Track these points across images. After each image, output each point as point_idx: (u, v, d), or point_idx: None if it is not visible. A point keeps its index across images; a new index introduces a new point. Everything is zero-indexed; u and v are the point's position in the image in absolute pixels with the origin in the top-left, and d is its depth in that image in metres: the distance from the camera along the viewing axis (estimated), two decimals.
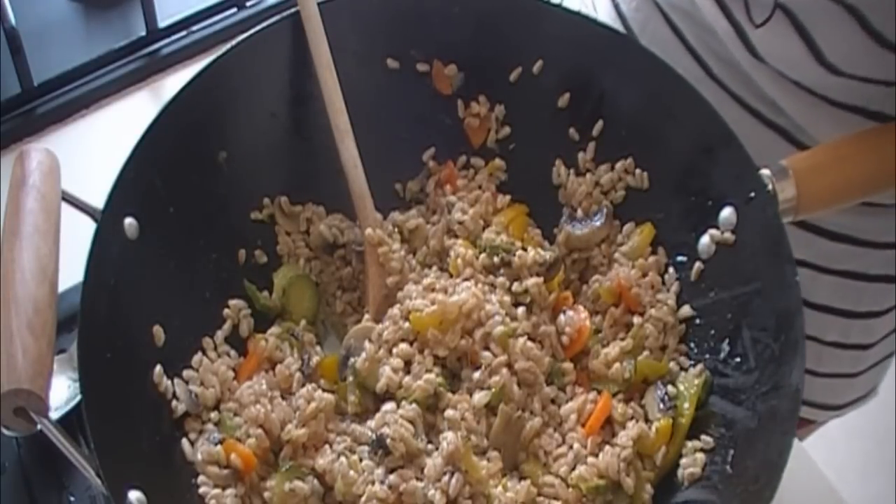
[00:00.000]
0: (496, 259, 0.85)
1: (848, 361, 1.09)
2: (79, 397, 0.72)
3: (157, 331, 0.79)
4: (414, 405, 0.78)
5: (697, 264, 0.83)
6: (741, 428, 0.76)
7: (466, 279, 0.84)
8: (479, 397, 0.79)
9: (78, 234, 0.75)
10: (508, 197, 0.93)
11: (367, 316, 0.86)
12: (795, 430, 0.71)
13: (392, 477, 0.75)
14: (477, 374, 0.80)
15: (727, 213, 0.80)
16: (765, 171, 0.79)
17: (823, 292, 1.02)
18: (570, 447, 0.79)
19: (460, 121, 0.94)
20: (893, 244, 0.98)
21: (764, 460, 0.71)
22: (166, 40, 1.20)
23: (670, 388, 0.80)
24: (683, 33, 0.96)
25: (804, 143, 0.92)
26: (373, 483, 0.75)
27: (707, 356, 0.81)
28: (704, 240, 0.82)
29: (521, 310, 0.83)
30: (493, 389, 0.79)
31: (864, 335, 1.07)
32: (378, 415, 0.79)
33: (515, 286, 0.84)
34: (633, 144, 0.88)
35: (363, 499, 0.75)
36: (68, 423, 0.78)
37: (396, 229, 0.90)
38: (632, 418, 0.80)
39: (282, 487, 0.76)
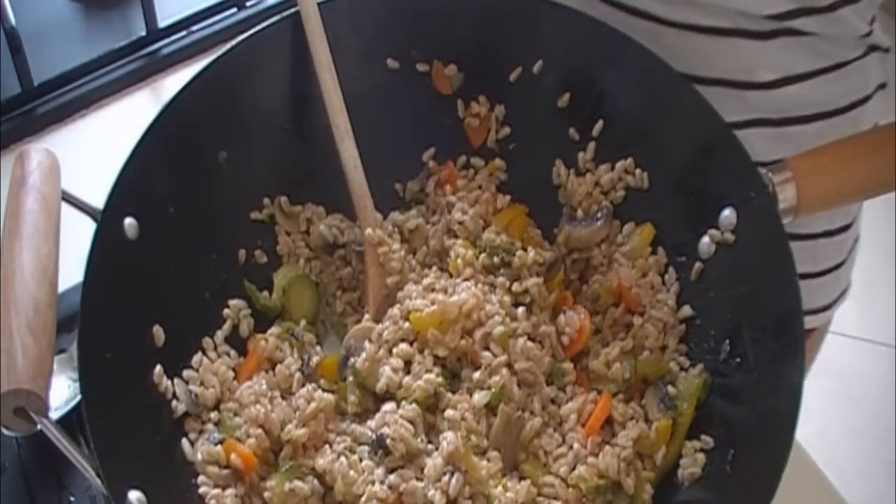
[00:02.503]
0: (496, 259, 0.85)
1: (836, 249, 1.07)
2: (79, 397, 0.72)
3: (157, 331, 0.79)
4: (414, 405, 0.78)
5: (697, 264, 0.83)
6: (741, 428, 0.76)
7: (466, 279, 0.84)
8: (479, 397, 0.79)
9: (78, 234, 0.75)
10: (508, 197, 0.93)
11: (367, 316, 0.86)
12: (796, 430, 0.71)
13: (392, 477, 0.75)
14: (477, 374, 0.80)
15: (727, 213, 0.80)
16: (765, 172, 0.79)
17: None
18: (570, 447, 0.79)
19: (460, 121, 0.94)
20: None
21: (764, 460, 0.71)
22: (166, 40, 1.21)
23: (670, 388, 0.80)
24: None
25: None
26: (373, 483, 0.75)
27: (707, 356, 0.81)
28: (704, 240, 0.82)
29: (521, 310, 0.83)
30: (493, 389, 0.79)
31: (845, 215, 1.05)
32: (378, 415, 0.79)
33: (515, 286, 0.84)
34: (633, 144, 0.88)
35: (363, 499, 0.75)
36: (68, 423, 0.77)
37: (396, 229, 0.90)
38: (632, 418, 0.80)
39: (282, 487, 0.76)
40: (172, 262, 0.82)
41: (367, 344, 0.82)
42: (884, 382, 2.18)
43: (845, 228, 1.06)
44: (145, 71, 1.19)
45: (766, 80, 0.92)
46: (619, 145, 0.89)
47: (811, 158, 0.81)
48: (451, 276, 0.86)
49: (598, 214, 0.89)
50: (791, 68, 0.92)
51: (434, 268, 0.89)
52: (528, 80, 0.92)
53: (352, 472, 0.76)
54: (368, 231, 0.87)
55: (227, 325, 0.85)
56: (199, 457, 0.77)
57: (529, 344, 0.81)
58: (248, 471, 0.77)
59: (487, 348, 0.81)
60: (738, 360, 0.78)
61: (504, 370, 0.79)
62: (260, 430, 0.78)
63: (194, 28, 1.22)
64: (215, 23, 1.22)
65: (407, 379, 0.80)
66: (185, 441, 0.78)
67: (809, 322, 1.13)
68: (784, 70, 0.92)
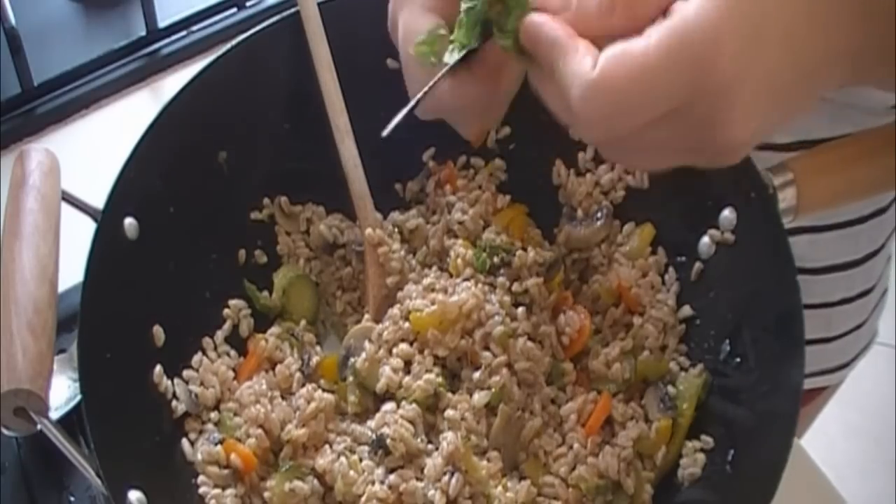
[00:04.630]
0: (496, 259, 0.85)
1: (855, 314, 1.05)
2: (79, 397, 0.72)
3: (157, 331, 0.79)
4: (414, 405, 0.78)
5: (697, 264, 0.83)
6: (741, 428, 0.76)
7: (466, 279, 0.84)
8: (479, 397, 0.79)
9: (78, 234, 0.75)
10: (508, 197, 0.92)
11: (367, 316, 0.86)
12: (796, 429, 0.71)
13: (392, 477, 0.75)
14: (477, 375, 0.80)
15: (727, 213, 0.80)
16: (765, 172, 0.78)
17: (824, 252, 0.99)
18: (570, 447, 0.79)
19: None
20: None
21: (764, 460, 0.71)
22: (166, 40, 1.20)
23: (670, 388, 0.80)
24: None
25: None
26: (373, 483, 0.75)
27: (707, 356, 0.81)
28: (704, 240, 0.82)
29: (521, 310, 0.83)
30: (493, 389, 0.79)
31: (866, 279, 1.03)
32: (378, 415, 0.79)
33: (515, 286, 0.84)
34: None
35: (363, 499, 0.75)
36: (68, 423, 0.77)
37: (396, 229, 0.90)
38: (632, 418, 0.80)
39: (282, 487, 0.76)
40: (172, 262, 0.82)
41: (367, 344, 0.82)
42: (883, 382, 2.18)
43: (866, 293, 1.04)
44: (145, 71, 1.18)
45: (779, 143, 0.89)
46: None
47: (811, 159, 0.81)
48: (451, 276, 0.86)
49: (598, 214, 0.89)
50: (808, 132, 0.88)
51: (434, 268, 0.89)
52: (528, 79, 0.91)
53: (352, 472, 0.76)
54: (368, 231, 0.87)
55: (227, 325, 0.85)
56: (199, 457, 0.77)
57: (529, 344, 0.81)
58: (248, 471, 0.77)
59: (487, 348, 0.81)
60: (738, 360, 0.78)
61: (504, 370, 0.79)
62: (260, 430, 0.78)
63: (194, 28, 1.22)
64: (215, 23, 1.22)
65: (407, 379, 0.80)
66: (185, 441, 0.78)
67: (822, 381, 1.10)
68: (800, 133, 0.89)
